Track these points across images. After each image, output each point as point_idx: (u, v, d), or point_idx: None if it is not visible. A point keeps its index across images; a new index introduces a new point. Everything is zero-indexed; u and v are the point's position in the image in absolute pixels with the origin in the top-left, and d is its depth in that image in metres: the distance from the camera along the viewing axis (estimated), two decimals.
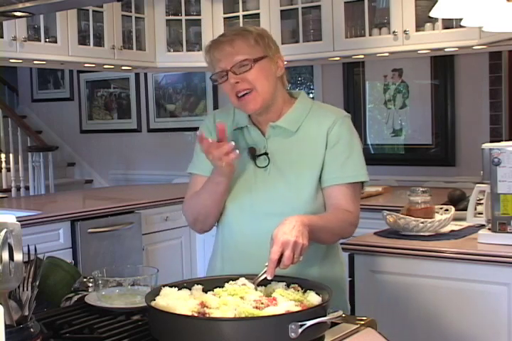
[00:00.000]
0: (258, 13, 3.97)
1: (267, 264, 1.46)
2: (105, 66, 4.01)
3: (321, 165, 1.75)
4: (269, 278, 1.45)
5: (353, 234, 1.81)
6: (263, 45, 1.77)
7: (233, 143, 1.62)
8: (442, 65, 4.07)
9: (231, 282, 1.44)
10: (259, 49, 1.75)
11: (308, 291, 1.40)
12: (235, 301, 1.32)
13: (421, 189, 2.40)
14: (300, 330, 1.20)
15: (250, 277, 1.47)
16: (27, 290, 1.24)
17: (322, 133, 1.77)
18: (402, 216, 2.34)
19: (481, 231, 2.23)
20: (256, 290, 1.41)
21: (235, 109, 1.87)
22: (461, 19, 2.75)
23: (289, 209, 1.69)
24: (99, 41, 3.82)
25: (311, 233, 1.53)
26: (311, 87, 4.71)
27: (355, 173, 1.76)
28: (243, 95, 1.72)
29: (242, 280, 1.45)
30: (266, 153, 1.77)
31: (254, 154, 1.78)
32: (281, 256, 1.46)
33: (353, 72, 4.43)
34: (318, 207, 1.75)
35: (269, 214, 1.72)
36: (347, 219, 1.73)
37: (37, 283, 1.26)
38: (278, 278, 1.47)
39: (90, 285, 1.64)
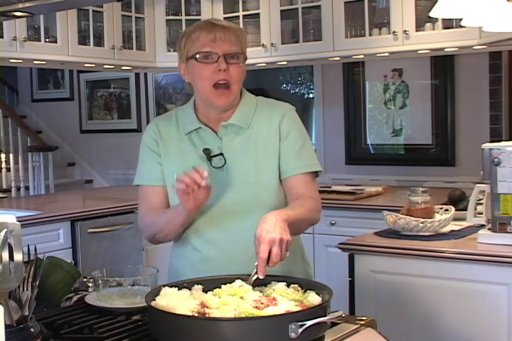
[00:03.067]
0: (258, 13, 3.97)
1: (256, 264, 1.46)
2: (105, 66, 4.01)
3: (277, 158, 1.77)
4: (261, 277, 1.45)
5: (319, 221, 1.81)
6: (246, 48, 1.80)
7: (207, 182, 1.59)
8: (442, 65, 4.06)
9: (228, 284, 1.44)
10: (245, 50, 1.79)
11: (308, 291, 1.40)
12: (235, 301, 1.32)
13: (421, 189, 2.40)
14: (300, 330, 1.20)
15: (243, 278, 1.47)
16: (27, 290, 1.24)
17: (274, 126, 1.79)
18: (402, 216, 2.34)
19: (481, 231, 2.23)
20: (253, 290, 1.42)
21: (177, 115, 1.85)
22: (461, 19, 2.75)
23: (253, 206, 1.71)
24: (99, 41, 3.82)
25: (290, 227, 1.54)
26: (311, 87, 4.71)
27: (310, 163, 1.80)
28: (220, 85, 1.71)
29: (239, 282, 1.44)
30: (221, 153, 1.76)
31: (209, 155, 1.76)
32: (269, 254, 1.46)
33: (353, 72, 4.42)
34: (281, 200, 1.77)
35: (234, 213, 1.72)
36: (314, 208, 1.76)
37: (37, 283, 1.26)
38: (276, 278, 1.47)
39: (90, 285, 1.64)
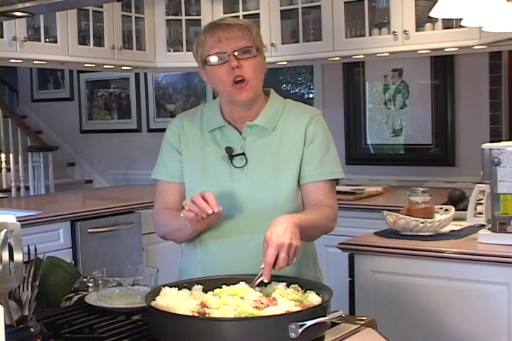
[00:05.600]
0: (258, 13, 3.97)
1: (262, 267, 1.45)
2: (105, 66, 4.01)
3: (299, 163, 1.76)
4: (265, 280, 1.44)
5: (333, 229, 1.80)
6: (259, 41, 1.78)
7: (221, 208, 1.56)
8: (442, 65, 4.06)
9: (232, 286, 1.44)
10: (258, 43, 1.76)
11: (308, 291, 1.40)
12: (235, 301, 1.32)
13: (421, 189, 2.40)
14: (300, 330, 1.20)
15: (244, 278, 1.47)
16: (27, 290, 1.24)
17: (300, 130, 1.77)
18: (402, 216, 2.34)
19: (481, 231, 2.23)
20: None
21: (203, 111, 1.85)
22: (461, 19, 2.75)
23: (270, 209, 1.70)
24: (99, 41, 3.82)
25: (301, 232, 1.53)
26: (311, 87, 4.70)
27: (332, 170, 1.78)
28: (238, 82, 1.70)
29: (243, 284, 1.44)
30: (243, 153, 1.76)
31: (231, 154, 1.76)
32: (276, 258, 1.46)
33: (353, 72, 4.42)
34: (299, 205, 1.76)
35: (249, 214, 1.72)
36: (329, 216, 1.74)
37: (37, 283, 1.26)
38: (276, 279, 1.47)
39: (90, 285, 1.64)
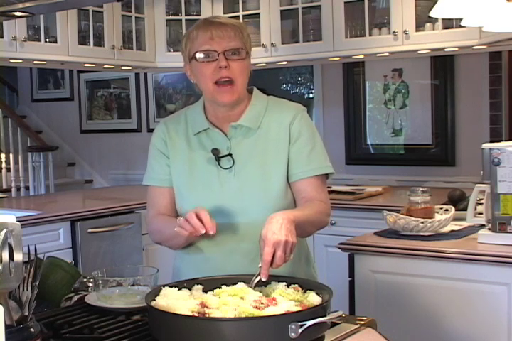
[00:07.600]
0: (258, 13, 3.97)
1: (260, 266, 1.45)
2: (105, 66, 4.01)
3: (286, 161, 1.75)
4: (263, 279, 1.44)
5: (328, 224, 1.80)
6: (249, 43, 1.78)
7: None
8: (442, 65, 4.06)
9: (231, 286, 1.43)
10: (247, 45, 1.76)
11: (308, 291, 1.40)
12: (235, 301, 1.32)
13: (421, 189, 2.40)
14: (300, 330, 1.20)
15: (244, 279, 1.46)
16: (27, 290, 1.24)
17: (284, 128, 1.77)
18: (402, 216, 2.34)
19: (481, 231, 2.23)
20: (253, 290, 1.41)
21: (187, 114, 1.85)
22: (461, 19, 2.75)
23: (260, 208, 1.70)
24: (99, 41, 3.82)
25: (296, 228, 1.53)
26: (311, 87, 4.70)
27: (321, 165, 1.78)
28: (223, 83, 1.70)
29: (241, 284, 1.44)
30: (230, 154, 1.75)
31: (217, 155, 1.75)
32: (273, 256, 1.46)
33: (353, 72, 4.42)
34: (289, 202, 1.76)
35: (239, 214, 1.71)
36: (323, 211, 1.74)
37: (37, 283, 1.26)
38: (276, 279, 1.47)
39: (90, 285, 1.64)
